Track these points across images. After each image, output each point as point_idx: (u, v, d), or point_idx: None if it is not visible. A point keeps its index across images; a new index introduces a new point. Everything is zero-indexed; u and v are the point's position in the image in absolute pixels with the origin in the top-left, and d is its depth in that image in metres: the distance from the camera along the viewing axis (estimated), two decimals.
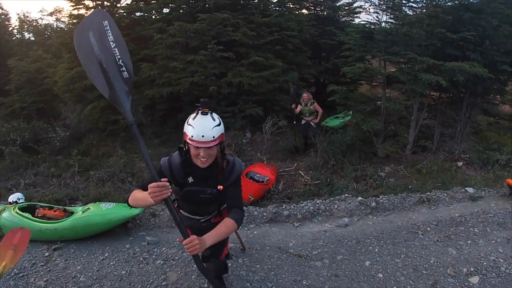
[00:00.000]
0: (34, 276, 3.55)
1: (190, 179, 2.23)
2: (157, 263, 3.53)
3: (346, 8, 11.60)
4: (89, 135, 8.92)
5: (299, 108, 7.29)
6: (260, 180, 5.49)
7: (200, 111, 2.02)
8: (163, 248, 3.79)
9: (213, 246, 2.68)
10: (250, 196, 4.92)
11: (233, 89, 8.06)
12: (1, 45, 14.33)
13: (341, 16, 11.77)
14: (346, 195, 4.69)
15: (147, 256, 3.66)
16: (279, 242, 3.75)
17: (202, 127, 1.98)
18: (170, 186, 1.94)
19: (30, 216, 4.21)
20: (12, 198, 4.93)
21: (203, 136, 1.97)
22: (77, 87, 8.77)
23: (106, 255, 3.76)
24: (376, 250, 3.51)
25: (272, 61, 8.29)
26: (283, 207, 4.46)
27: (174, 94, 8.14)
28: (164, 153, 7.05)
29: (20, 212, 4.27)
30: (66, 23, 13.51)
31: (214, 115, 2.05)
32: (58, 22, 19.17)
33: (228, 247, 2.83)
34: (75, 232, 4.09)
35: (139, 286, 3.20)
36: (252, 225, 4.18)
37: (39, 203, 4.71)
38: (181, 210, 2.54)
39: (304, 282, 3.08)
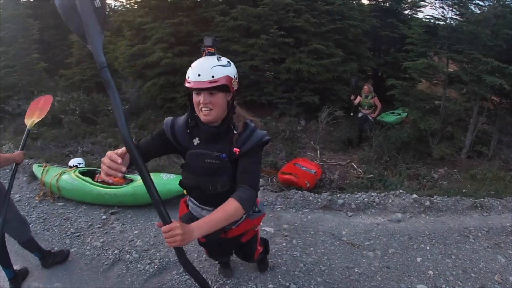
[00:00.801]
0: (91, 236, 3.86)
1: (196, 141, 1.84)
2: None
3: (410, 1, 11.23)
4: (147, 110, 9.35)
5: (358, 99, 7.24)
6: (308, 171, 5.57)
7: (204, 51, 1.71)
8: None
9: (240, 251, 2.56)
10: (306, 182, 5.02)
11: (292, 75, 8.14)
12: (62, 21, 15.01)
13: (404, 9, 11.40)
14: (400, 191, 4.64)
15: None
16: (332, 229, 3.87)
17: (200, 66, 1.65)
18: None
19: (90, 180, 4.48)
20: (72, 162, 5.29)
21: (199, 75, 1.62)
22: (138, 64, 9.18)
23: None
24: (428, 248, 3.56)
25: (332, 50, 8.27)
26: (338, 195, 4.55)
27: None
28: None
29: (80, 176, 4.58)
30: (124, 3, 14.27)
31: (223, 58, 1.71)
32: (116, 2, 19.94)
33: (260, 237, 2.61)
34: (134, 199, 4.34)
35: (195, 255, 3.39)
36: (306, 210, 4.31)
37: (99, 169, 4.92)
38: (189, 202, 2.16)
39: (356, 270, 3.18)
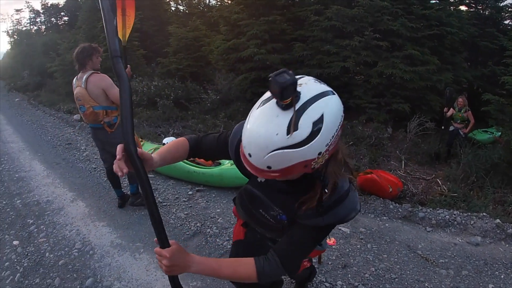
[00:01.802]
0: (176, 208, 4.40)
1: (261, 178, 1.42)
2: None
3: (510, 10, 10.30)
4: (236, 102, 9.90)
5: (451, 112, 6.97)
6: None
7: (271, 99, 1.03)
8: None
9: None
10: (389, 186, 4.93)
11: (383, 80, 8.03)
12: (160, 13, 16.77)
13: (504, 18, 10.52)
14: (484, 214, 4.43)
15: None
16: (408, 240, 3.86)
17: (253, 137, 1.04)
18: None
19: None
20: (166, 140, 6.06)
21: (250, 155, 1.06)
22: (231, 57, 9.89)
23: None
24: (502, 277, 3.38)
25: (427, 57, 7.97)
26: (419, 208, 4.50)
27: (324, 76, 8.38)
28: None
29: None
30: None
31: (304, 118, 0.97)
32: None
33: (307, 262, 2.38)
34: (220, 180, 4.84)
35: None
36: (385, 217, 4.35)
37: None
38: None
39: (426, 284, 3.16)
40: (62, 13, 29.77)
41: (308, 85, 1.05)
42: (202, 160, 4.93)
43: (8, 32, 33.49)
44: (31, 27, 32.40)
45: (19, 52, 29.12)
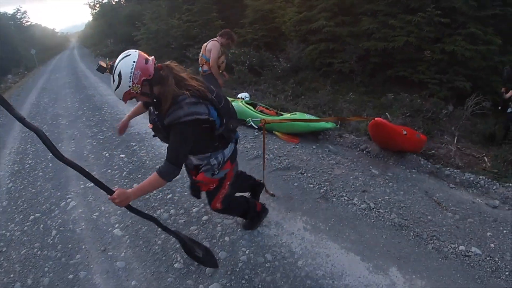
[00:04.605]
0: (244, 141, 5.88)
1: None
2: (330, 161, 5.12)
3: None
4: (305, 70, 10.88)
5: (510, 93, 6.90)
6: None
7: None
8: (338, 156, 5.31)
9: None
10: (403, 130, 4.90)
11: (446, 56, 8.26)
12: None
13: None
14: (509, 184, 4.55)
15: (325, 156, 5.30)
16: (428, 189, 4.39)
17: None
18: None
19: (252, 108, 6.24)
20: (240, 95, 7.30)
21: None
22: (303, 29, 10.73)
23: (297, 146, 5.65)
24: (505, 232, 3.60)
25: (490, 37, 7.98)
26: (448, 168, 4.91)
27: (388, 50, 8.89)
28: (366, 101, 8.27)
29: (246, 105, 6.28)
30: None
31: (116, 71, 2.14)
32: None
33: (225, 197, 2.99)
34: (279, 127, 6.00)
35: (312, 167, 4.86)
36: (414, 170, 4.89)
37: (260, 103, 6.86)
38: None
39: (428, 217, 3.74)
40: None
41: (118, 59, 2.19)
42: (267, 110, 6.06)
43: (89, 4, 36.31)
44: None
45: (103, 22, 32.51)
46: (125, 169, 5.17)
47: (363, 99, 8.66)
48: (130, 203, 2.34)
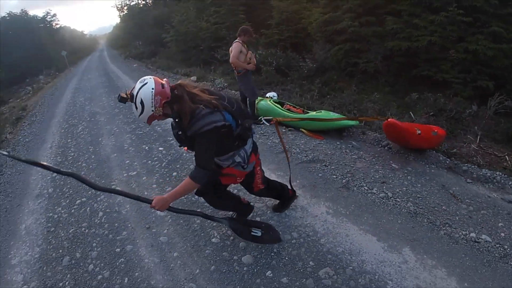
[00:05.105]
0: (272, 137, 6.34)
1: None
2: (352, 156, 5.50)
3: None
4: (331, 70, 11.11)
5: None
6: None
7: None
8: (361, 152, 5.68)
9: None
10: (416, 129, 5.06)
11: (469, 55, 8.30)
12: None
13: None
14: None
15: (348, 151, 5.68)
16: (445, 182, 4.65)
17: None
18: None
19: (279, 107, 6.69)
20: (269, 94, 7.68)
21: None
22: (328, 29, 10.97)
23: (322, 142, 6.03)
24: None
25: None
26: (466, 164, 5.14)
27: (412, 49, 9.00)
28: (391, 101, 8.54)
29: (273, 103, 6.72)
30: None
31: (137, 100, 2.41)
32: None
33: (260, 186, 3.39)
34: (305, 124, 6.36)
35: (336, 161, 5.25)
36: (433, 165, 5.16)
37: (287, 102, 7.29)
38: None
39: (443, 207, 4.02)
40: None
41: (136, 88, 2.44)
42: (294, 108, 6.67)
43: (117, 6, 36.76)
44: (139, 1, 36.20)
45: (132, 24, 33.58)
46: (164, 160, 5.71)
47: (388, 99, 8.82)
48: (170, 205, 2.72)
